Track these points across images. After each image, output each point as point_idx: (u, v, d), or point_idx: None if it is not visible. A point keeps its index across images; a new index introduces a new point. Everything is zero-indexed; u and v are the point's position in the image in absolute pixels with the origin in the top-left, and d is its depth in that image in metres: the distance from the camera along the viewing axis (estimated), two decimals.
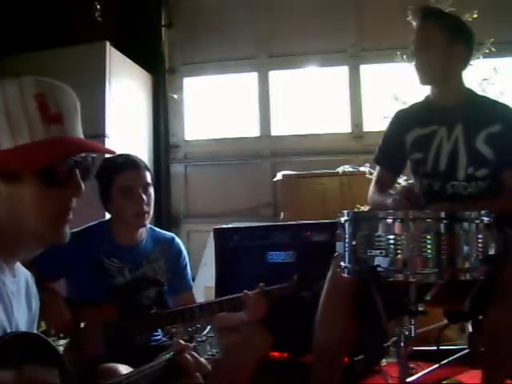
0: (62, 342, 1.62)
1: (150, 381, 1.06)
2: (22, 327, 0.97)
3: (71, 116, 0.96)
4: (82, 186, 0.97)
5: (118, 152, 1.60)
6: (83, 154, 0.97)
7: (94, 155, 1.00)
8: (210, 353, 1.27)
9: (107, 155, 1.75)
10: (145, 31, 4.35)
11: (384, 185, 2.12)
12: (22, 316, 0.99)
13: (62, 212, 0.96)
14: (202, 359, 1.17)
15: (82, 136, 0.99)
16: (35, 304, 1.08)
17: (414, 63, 2.03)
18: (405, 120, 2.12)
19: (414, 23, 2.03)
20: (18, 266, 1.02)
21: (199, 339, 1.29)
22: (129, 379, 1.04)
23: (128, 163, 1.91)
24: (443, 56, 1.96)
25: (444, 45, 1.95)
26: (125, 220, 1.90)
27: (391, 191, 2.11)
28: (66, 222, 0.97)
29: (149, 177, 1.94)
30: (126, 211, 1.88)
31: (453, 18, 2.09)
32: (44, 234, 0.95)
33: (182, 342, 1.20)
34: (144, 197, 1.89)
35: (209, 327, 1.68)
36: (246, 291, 1.87)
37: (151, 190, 1.94)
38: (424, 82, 2.03)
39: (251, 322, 1.81)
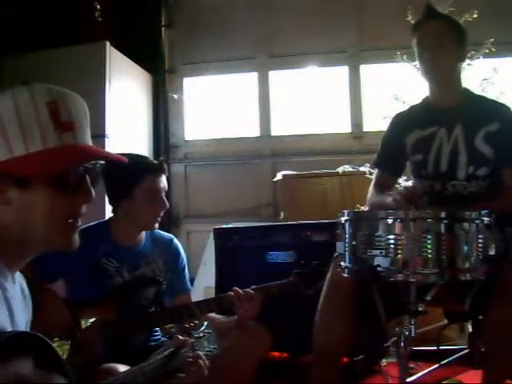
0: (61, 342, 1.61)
1: (150, 377, 1.06)
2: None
3: (82, 124, 0.96)
4: (93, 192, 0.98)
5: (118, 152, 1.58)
6: (93, 161, 0.98)
7: (103, 162, 1.01)
8: (207, 349, 1.27)
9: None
10: (145, 31, 4.36)
11: (383, 187, 2.12)
12: (21, 320, 0.99)
13: (72, 218, 0.96)
14: (201, 354, 1.17)
15: (91, 144, 0.99)
16: (29, 306, 1.07)
17: (424, 60, 1.96)
18: (404, 122, 2.12)
19: (419, 20, 2.01)
20: None
21: (196, 335, 1.30)
22: (126, 377, 1.04)
23: (159, 167, 1.94)
24: (455, 55, 1.96)
25: (455, 44, 1.96)
26: (139, 220, 1.90)
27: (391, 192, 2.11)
28: (75, 228, 0.98)
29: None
30: (145, 212, 1.88)
31: (454, 19, 2.09)
32: (53, 241, 0.95)
33: (181, 337, 1.20)
34: (167, 202, 1.92)
35: (205, 323, 1.68)
36: (235, 288, 1.84)
37: None
38: (435, 79, 1.99)
39: (244, 321, 1.80)
